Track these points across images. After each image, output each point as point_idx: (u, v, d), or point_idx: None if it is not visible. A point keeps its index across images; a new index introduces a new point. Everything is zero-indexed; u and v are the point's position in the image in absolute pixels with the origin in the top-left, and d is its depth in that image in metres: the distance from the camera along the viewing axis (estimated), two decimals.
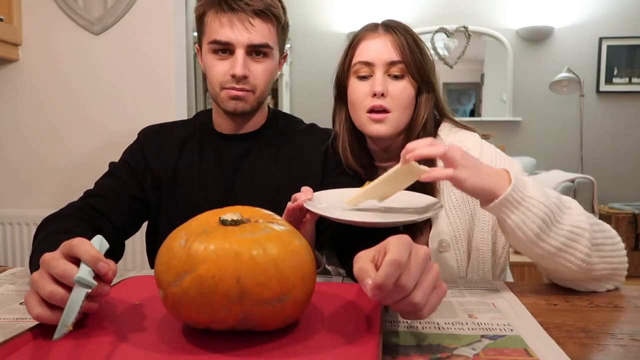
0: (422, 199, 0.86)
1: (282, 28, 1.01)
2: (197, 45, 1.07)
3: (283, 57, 1.07)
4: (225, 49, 0.97)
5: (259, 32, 0.96)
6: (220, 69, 0.98)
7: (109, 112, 1.96)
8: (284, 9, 1.01)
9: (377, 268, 0.52)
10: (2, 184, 2.04)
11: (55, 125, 1.99)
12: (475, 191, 0.72)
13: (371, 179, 1.07)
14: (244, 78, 0.96)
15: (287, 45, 3.89)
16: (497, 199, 0.71)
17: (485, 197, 0.73)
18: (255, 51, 0.97)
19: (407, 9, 4.26)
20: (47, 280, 0.56)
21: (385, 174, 0.77)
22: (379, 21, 1.05)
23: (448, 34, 4.25)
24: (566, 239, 0.73)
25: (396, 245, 0.51)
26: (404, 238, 0.53)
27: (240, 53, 0.95)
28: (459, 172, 0.70)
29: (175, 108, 1.95)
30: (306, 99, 4.27)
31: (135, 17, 1.91)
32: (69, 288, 0.55)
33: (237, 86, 0.97)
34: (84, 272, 0.55)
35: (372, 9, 4.22)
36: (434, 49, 4.25)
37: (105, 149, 1.95)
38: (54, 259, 0.57)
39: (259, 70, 0.98)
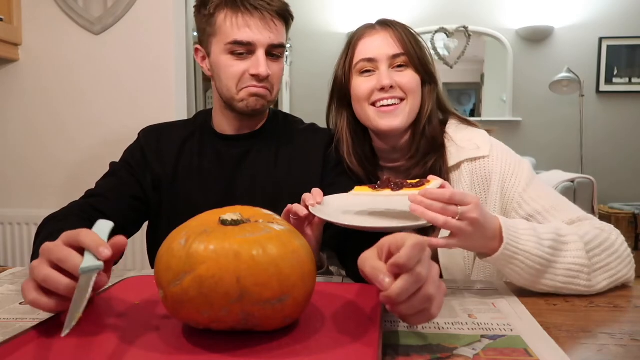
0: None
1: (288, 32, 1.03)
2: (196, 45, 1.07)
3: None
4: (243, 50, 0.96)
5: (279, 32, 0.97)
6: (238, 69, 0.97)
7: (109, 112, 1.96)
8: None
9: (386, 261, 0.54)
10: (1, 184, 2.04)
11: (56, 125, 1.99)
12: (470, 250, 0.79)
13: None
14: (265, 77, 0.97)
15: (287, 45, 3.89)
16: (490, 257, 0.75)
17: (480, 255, 0.77)
18: (273, 52, 0.98)
19: (407, 9, 4.25)
20: (43, 266, 0.56)
21: (396, 194, 0.79)
22: (374, 21, 1.06)
23: (448, 34, 4.25)
24: (564, 277, 0.76)
25: (410, 236, 0.53)
26: (413, 234, 0.55)
27: (261, 53, 0.95)
28: (454, 242, 0.72)
29: (175, 108, 1.95)
30: (306, 99, 4.26)
31: (135, 17, 1.91)
32: (65, 272, 0.56)
33: (258, 84, 0.97)
34: (88, 261, 0.55)
35: (372, 9, 4.22)
36: (434, 49, 4.24)
37: (105, 149, 1.95)
38: (55, 245, 0.57)
39: (276, 70, 0.99)
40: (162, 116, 1.75)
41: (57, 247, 0.57)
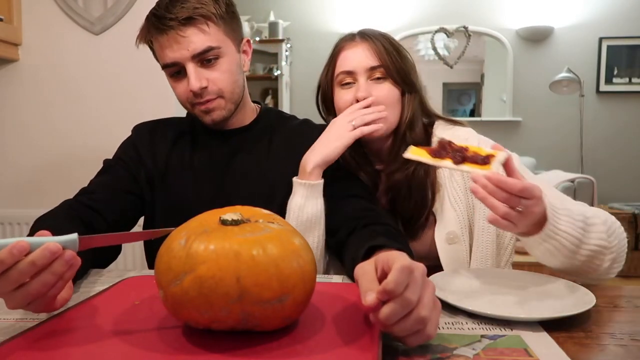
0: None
1: (223, 19, 0.96)
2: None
3: (245, 42, 1.04)
4: (176, 70, 0.96)
5: (195, 41, 0.92)
6: (181, 89, 0.97)
7: (109, 112, 1.96)
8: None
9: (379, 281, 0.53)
10: (2, 184, 2.04)
11: (55, 124, 1.99)
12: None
13: (373, 181, 1.06)
14: (203, 89, 0.95)
15: (287, 45, 3.84)
16: (530, 237, 0.74)
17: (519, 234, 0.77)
18: (205, 58, 0.94)
19: (407, 9, 4.25)
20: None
21: (457, 168, 0.72)
22: (356, 31, 1.07)
23: (448, 34, 4.25)
24: (587, 257, 0.77)
25: (401, 256, 0.53)
26: (404, 254, 0.56)
27: (190, 68, 0.93)
28: (503, 225, 0.70)
29: (175, 108, 1.94)
30: (306, 99, 4.24)
31: (135, 17, 1.91)
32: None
33: (202, 100, 0.96)
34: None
35: (372, 9, 4.22)
36: (434, 49, 4.24)
37: (105, 149, 1.94)
38: None
39: (216, 75, 0.96)
40: (161, 116, 1.74)
41: None
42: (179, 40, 0.92)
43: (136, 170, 1.05)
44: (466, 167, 0.70)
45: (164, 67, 0.97)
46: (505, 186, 0.66)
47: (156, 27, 0.94)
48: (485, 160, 0.70)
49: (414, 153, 0.75)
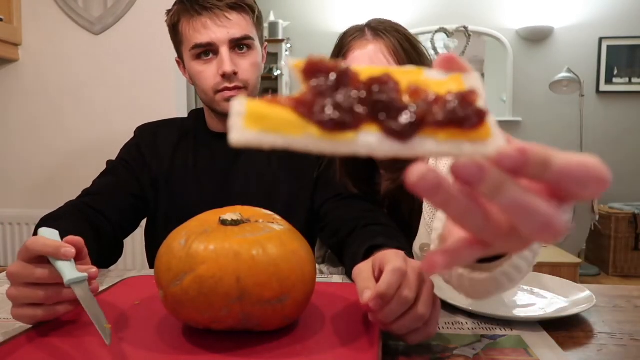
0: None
1: (257, 18, 1.01)
2: (176, 58, 1.07)
3: (264, 47, 1.06)
4: (208, 50, 0.96)
5: (237, 25, 0.95)
6: (208, 73, 0.97)
7: (109, 112, 1.96)
8: None
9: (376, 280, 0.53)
10: (2, 184, 2.04)
11: (56, 125, 1.99)
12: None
13: (373, 201, 1.00)
14: (234, 74, 0.96)
15: (287, 45, 3.87)
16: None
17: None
18: (238, 45, 0.97)
19: (407, 9, 4.25)
20: (27, 290, 0.56)
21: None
22: (364, 23, 0.97)
23: (448, 34, 4.24)
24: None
25: (395, 256, 0.53)
26: (400, 253, 0.55)
27: (224, 50, 0.95)
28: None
29: (176, 108, 1.95)
30: None
31: (135, 17, 1.91)
32: (46, 285, 0.56)
33: (229, 85, 0.96)
34: (68, 270, 0.55)
35: (372, 9, 4.22)
36: (434, 49, 4.24)
37: (105, 149, 1.94)
38: (24, 268, 0.56)
39: (246, 65, 0.98)
40: (162, 116, 1.74)
41: (26, 270, 0.56)
42: (223, 21, 0.94)
43: (140, 172, 1.05)
44: (434, 143, 0.28)
45: (195, 47, 0.96)
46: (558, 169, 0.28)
47: (200, 5, 0.94)
48: (464, 114, 0.28)
49: (251, 124, 0.26)
